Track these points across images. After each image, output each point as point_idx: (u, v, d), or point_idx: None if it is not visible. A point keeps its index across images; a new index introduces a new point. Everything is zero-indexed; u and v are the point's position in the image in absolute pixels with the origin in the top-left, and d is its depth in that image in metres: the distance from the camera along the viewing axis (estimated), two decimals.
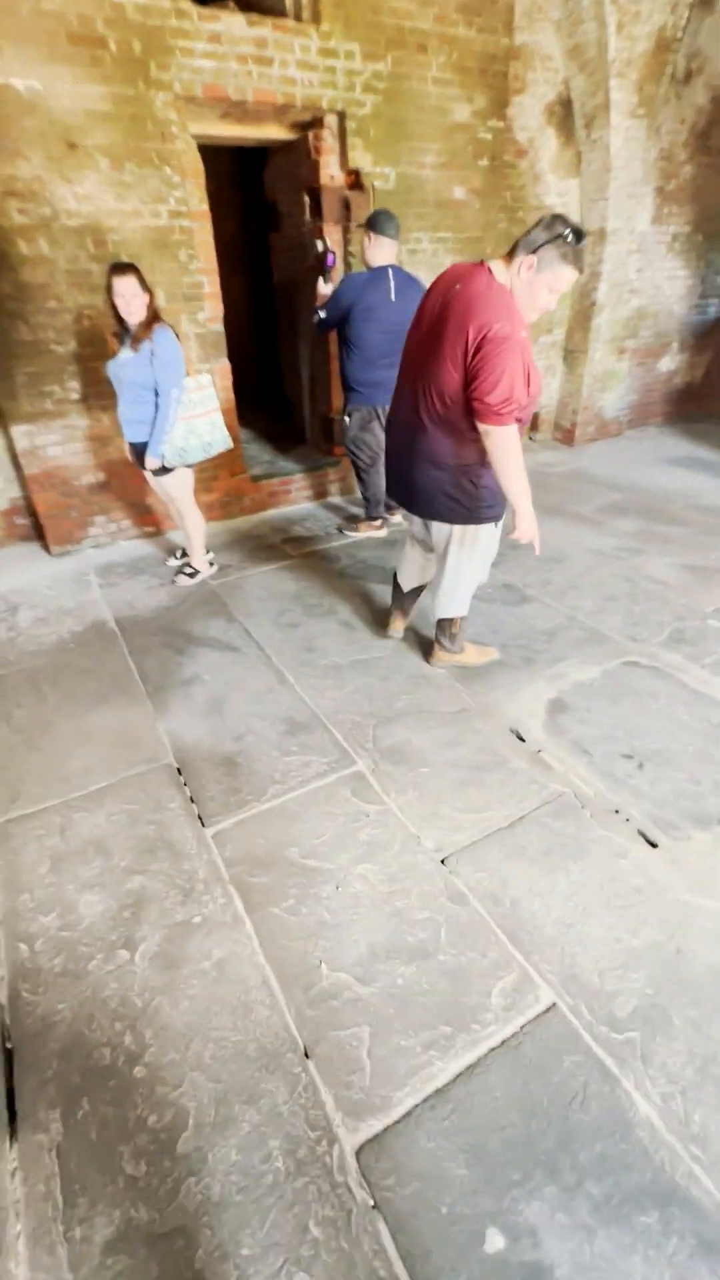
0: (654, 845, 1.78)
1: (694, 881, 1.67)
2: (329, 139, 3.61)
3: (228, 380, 3.74)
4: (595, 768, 2.05)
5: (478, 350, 1.79)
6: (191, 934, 1.58)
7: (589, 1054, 1.32)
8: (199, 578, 3.36)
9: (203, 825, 1.88)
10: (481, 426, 1.88)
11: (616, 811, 1.89)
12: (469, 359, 1.81)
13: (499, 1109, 1.24)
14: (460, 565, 2.29)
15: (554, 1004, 1.41)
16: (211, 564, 3.46)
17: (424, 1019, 1.39)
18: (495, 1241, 1.08)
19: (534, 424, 5.55)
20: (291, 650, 2.72)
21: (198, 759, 2.13)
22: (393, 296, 3.21)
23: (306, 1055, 1.33)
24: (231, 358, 3.75)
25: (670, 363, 5.88)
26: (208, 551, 3.52)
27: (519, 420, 1.92)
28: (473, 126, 3.98)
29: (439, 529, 2.24)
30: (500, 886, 1.67)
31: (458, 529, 2.19)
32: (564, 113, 4.52)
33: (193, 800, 1.97)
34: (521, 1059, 1.32)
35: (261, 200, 4.57)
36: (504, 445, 1.88)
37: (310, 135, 3.61)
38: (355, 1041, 1.35)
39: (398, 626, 2.80)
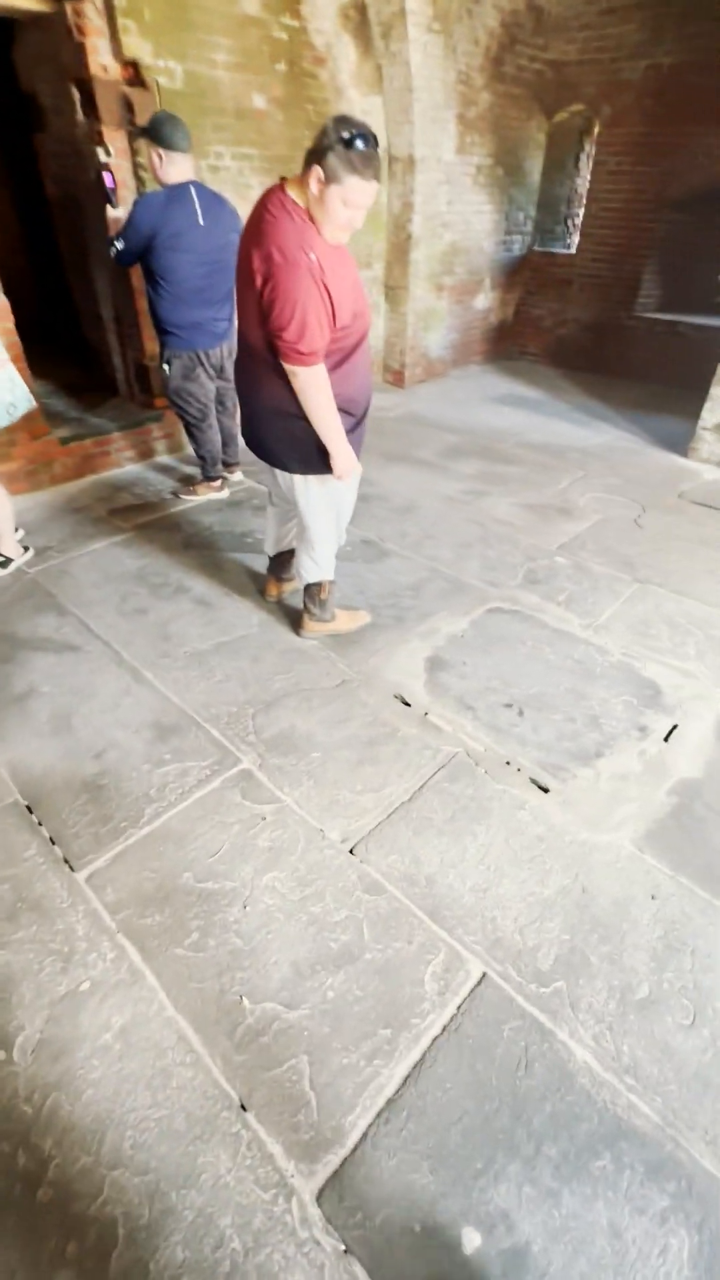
0: (545, 790, 1.84)
1: (586, 819, 1.76)
2: (93, 15, 2.98)
3: (8, 321, 3.09)
4: (481, 722, 2.07)
5: (266, 281, 1.61)
6: (81, 1006, 1.34)
7: (524, 1016, 1.34)
8: (12, 566, 2.84)
9: (71, 870, 1.60)
10: (286, 367, 1.71)
11: (508, 763, 1.92)
12: (263, 292, 1.62)
13: (452, 1100, 1.22)
14: (310, 519, 2.13)
15: (484, 974, 1.41)
16: (26, 548, 2.93)
17: (362, 1028, 1.32)
18: (472, 1240, 1.06)
19: None
20: (144, 641, 2.41)
21: (52, 790, 1.81)
22: (200, 219, 2.80)
23: (244, 1108, 1.20)
24: (5, 291, 3.08)
25: (484, 301, 6.00)
26: (18, 531, 2.97)
27: (341, 348, 1.76)
28: (265, 22, 3.53)
29: (284, 479, 2.05)
30: (414, 865, 1.63)
31: (298, 479, 2.02)
32: (360, 19, 4.19)
33: (53, 842, 1.67)
34: (464, 1041, 1.30)
35: (15, 90, 3.73)
36: (310, 386, 1.73)
37: (69, 8, 2.95)
38: (294, 1076, 1.24)
39: (273, 593, 2.60)
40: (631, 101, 5.14)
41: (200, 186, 2.84)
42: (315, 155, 1.53)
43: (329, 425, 1.81)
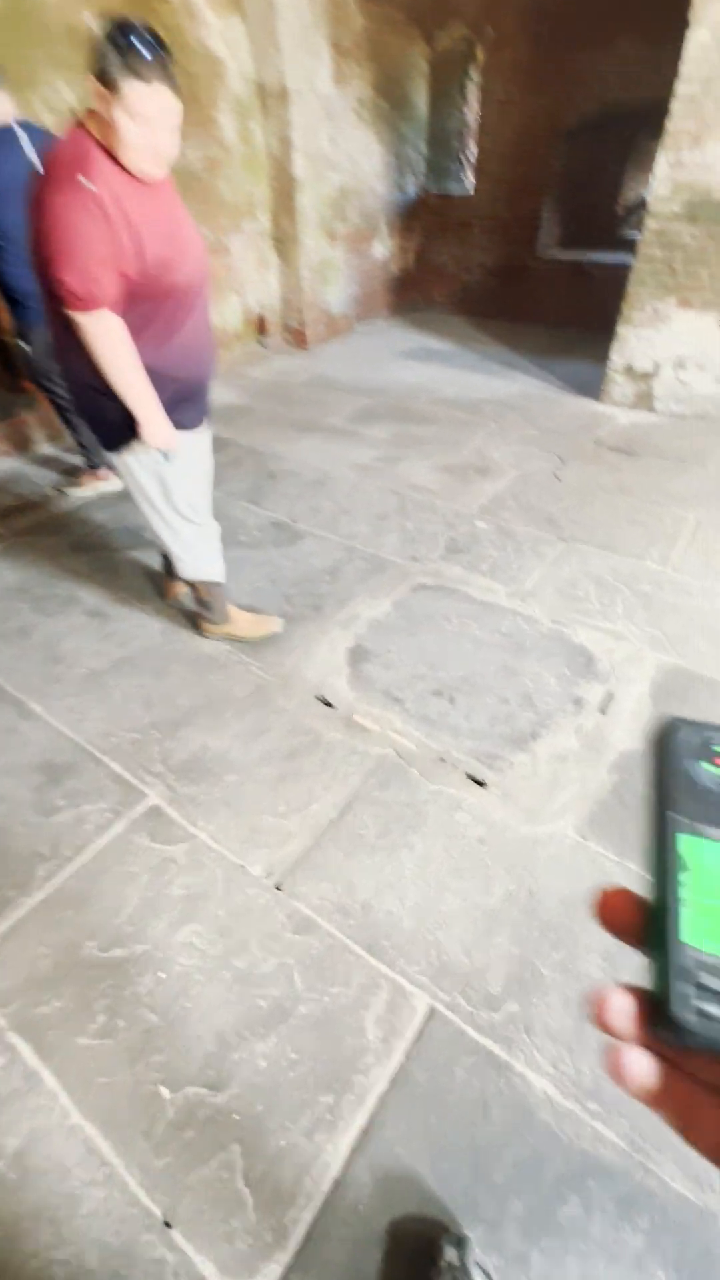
0: (483, 785, 1.71)
1: (526, 811, 1.65)
2: None
3: None
4: (410, 715, 1.92)
5: (35, 213, 1.37)
6: None
7: (477, 1050, 1.22)
8: None
9: None
10: (70, 318, 1.45)
11: (442, 759, 1.79)
12: (36, 230, 1.39)
13: (407, 1167, 1.09)
14: (140, 504, 1.85)
15: (431, 1009, 1.28)
16: None
17: (300, 1097, 1.17)
18: None
19: (261, 328, 5.02)
20: (30, 666, 2.12)
21: None
22: (39, 165, 2.40)
23: (168, 1225, 1.04)
24: None
25: (382, 249, 5.67)
26: None
27: (154, 303, 1.51)
28: None
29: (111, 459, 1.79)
30: (347, 893, 1.48)
31: (115, 459, 1.76)
32: None
33: None
34: (415, 1092, 1.17)
35: None
36: (97, 337, 1.47)
37: None
38: (225, 1172, 1.09)
39: (172, 594, 2.35)
40: (515, 23, 4.83)
41: (31, 127, 2.44)
42: (92, 69, 1.26)
43: (127, 383, 1.55)
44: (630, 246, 3.71)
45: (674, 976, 0.23)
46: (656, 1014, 0.24)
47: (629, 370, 3.91)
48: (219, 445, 3.54)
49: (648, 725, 1.86)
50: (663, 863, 0.26)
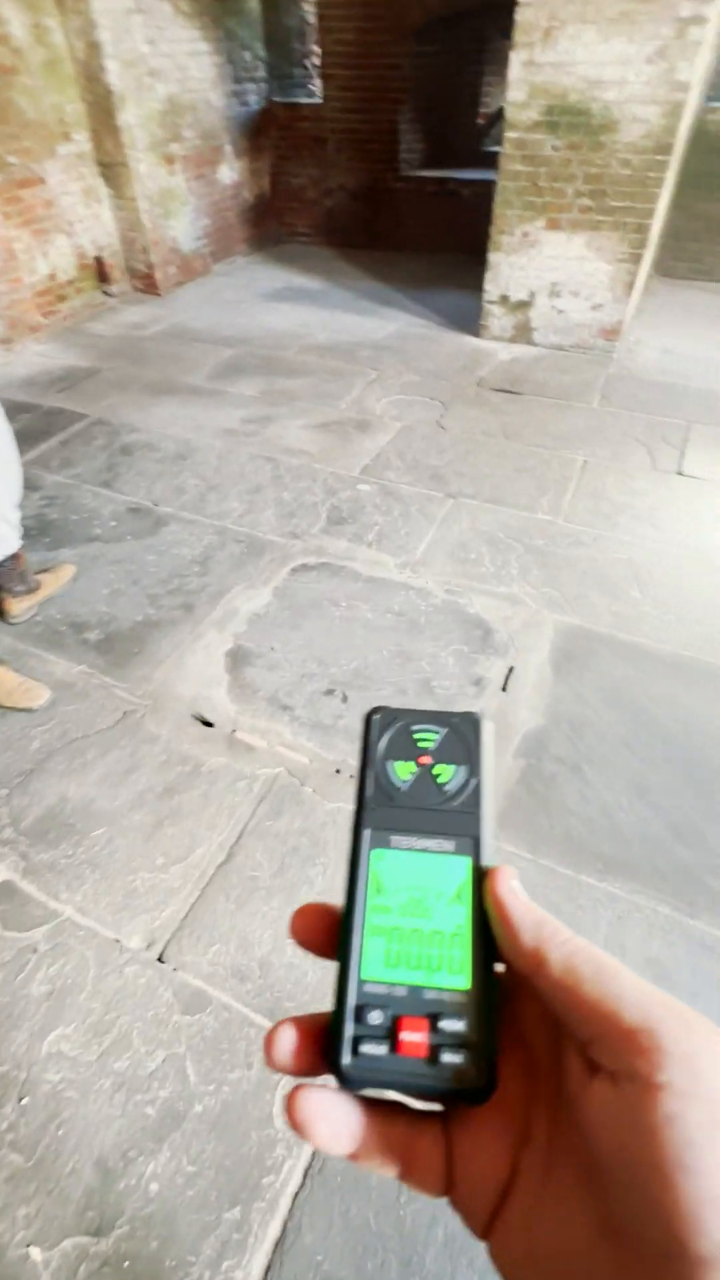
0: None
1: None
2: None
3: None
4: (301, 723, 1.72)
5: None
6: None
7: None
8: None
9: None
10: None
11: (338, 771, 1.61)
12: None
13: (330, 1273, 0.97)
14: None
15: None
16: None
17: (203, 1219, 1.01)
18: None
19: (102, 274, 4.40)
20: None
21: None
22: None
23: None
24: None
25: (230, 172, 5.07)
26: None
27: None
28: None
29: None
30: (242, 952, 1.30)
31: None
32: None
33: None
34: (331, 1183, 1.04)
35: None
36: None
37: None
38: None
39: (11, 609, 2.01)
40: None
41: None
42: None
43: None
44: (495, 162, 3.43)
45: (344, 1018, 0.22)
46: (328, 1058, 0.22)
47: (504, 301, 3.70)
48: (60, 419, 3.08)
49: (548, 698, 1.77)
50: (352, 888, 0.24)
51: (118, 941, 1.32)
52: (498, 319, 3.77)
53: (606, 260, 3.35)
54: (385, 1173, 0.22)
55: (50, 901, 1.38)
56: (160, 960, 1.29)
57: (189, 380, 3.46)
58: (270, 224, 5.65)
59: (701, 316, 4.16)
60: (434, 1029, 0.22)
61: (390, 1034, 0.22)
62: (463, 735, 0.27)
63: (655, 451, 2.79)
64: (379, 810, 0.26)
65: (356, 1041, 0.22)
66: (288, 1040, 0.22)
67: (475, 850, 0.25)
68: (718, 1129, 0.17)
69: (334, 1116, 0.22)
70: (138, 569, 2.23)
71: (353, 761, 1.63)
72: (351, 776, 1.60)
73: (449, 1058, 0.22)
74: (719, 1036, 0.19)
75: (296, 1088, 0.22)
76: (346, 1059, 0.22)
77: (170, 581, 2.18)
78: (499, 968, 0.24)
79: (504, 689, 1.79)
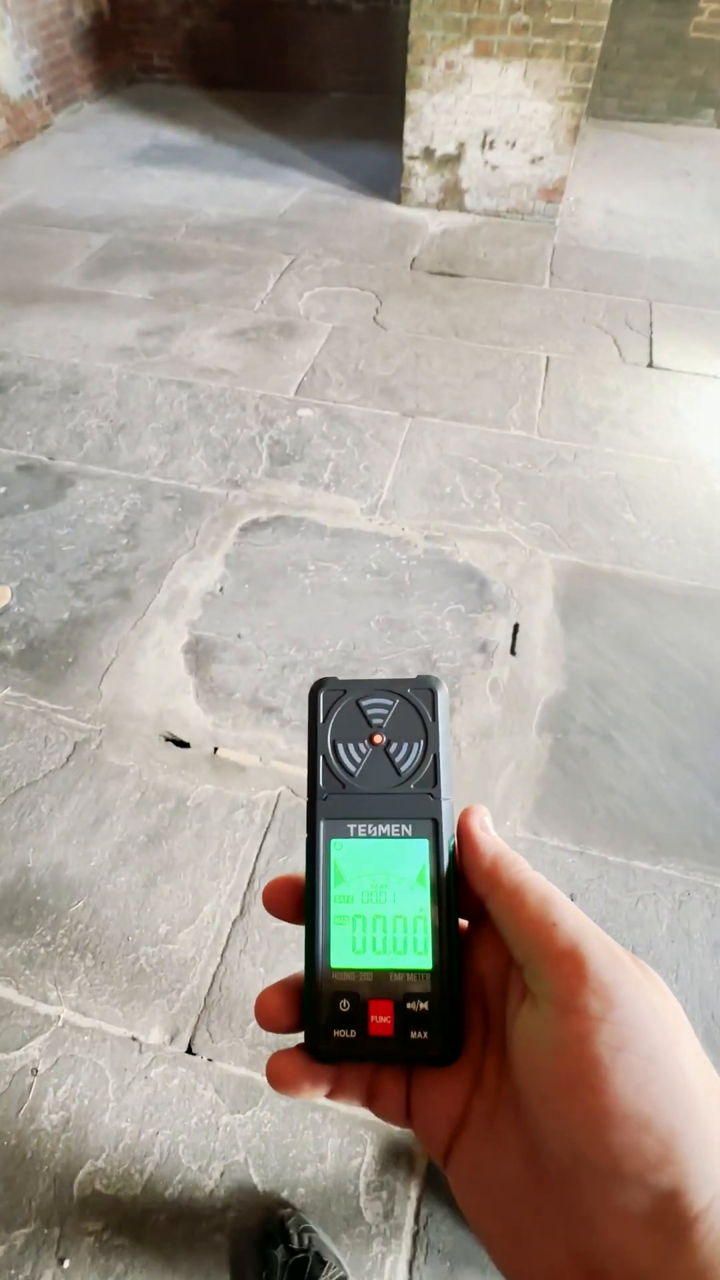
0: None
1: None
2: None
3: None
4: (294, 726, 1.47)
5: None
6: None
7: None
8: None
9: None
10: None
11: None
12: None
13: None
14: None
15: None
16: None
17: None
18: None
19: None
20: None
21: None
22: None
23: None
24: None
25: None
26: None
27: None
28: None
29: None
30: None
31: None
32: None
33: None
34: None
35: None
36: None
37: None
38: None
39: None
40: None
41: None
42: None
43: None
44: None
45: (314, 1006, 0.23)
46: (304, 1040, 0.24)
47: (429, 156, 3.12)
48: None
49: (562, 657, 1.59)
50: (313, 881, 0.25)
51: (134, 1040, 1.11)
52: (422, 180, 3.20)
53: (547, 98, 2.83)
54: (354, 1104, 0.24)
55: (38, 1005, 1.14)
56: (190, 1053, 1.10)
57: (57, 281, 2.77)
58: (118, 55, 4.50)
59: (639, 166, 3.72)
60: (400, 1009, 0.23)
61: (360, 1018, 0.23)
62: (416, 706, 0.26)
63: (622, 340, 2.51)
64: (333, 799, 0.25)
65: (329, 1026, 0.23)
66: (272, 1008, 0.24)
67: (435, 832, 0.25)
68: (623, 1052, 0.19)
69: (309, 1074, 0.24)
70: (48, 550, 1.81)
71: None
72: None
73: (415, 1034, 0.23)
74: (642, 972, 0.20)
75: (274, 1056, 0.24)
76: (320, 1044, 0.23)
77: (94, 562, 1.78)
78: (462, 923, 0.25)
79: (513, 652, 1.60)
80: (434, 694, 0.26)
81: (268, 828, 1.33)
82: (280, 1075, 0.24)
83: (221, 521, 1.88)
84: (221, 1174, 1.00)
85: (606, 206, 3.35)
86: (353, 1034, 0.23)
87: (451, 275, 2.84)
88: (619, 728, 1.47)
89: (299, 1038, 0.24)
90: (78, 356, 2.40)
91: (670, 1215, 0.17)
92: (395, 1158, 1.02)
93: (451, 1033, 0.23)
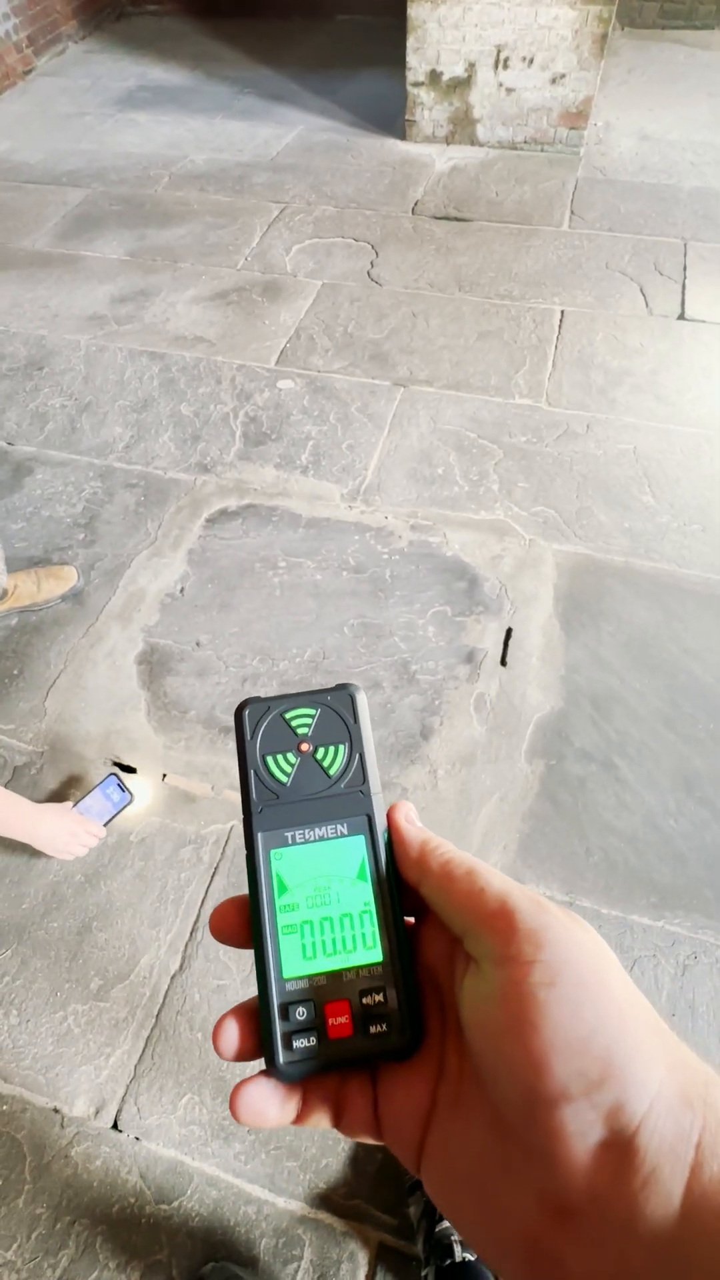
0: None
1: None
2: None
3: None
4: None
5: None
6: None
7: None
8: None
9: None
10: None
11: None
12: None
13: None
14: None
15: None
16: None
17: None
18: None
19: None
20: None
21: None
22: None
23: None
24: None
25: None
26: None
27: None
28: None
29: None
30: (222, 1101, 1.00)
31: None
32: None
33: None
34: None
35: None
36: None
37: None
38: None
39: None
40: None
41: None
42: None
43: None
44: None
45: (271, 1020, 0.23)
46: (264, 1058, 0.23)
47: (435, 80, 2.77)
48: None
49: (561, 668, 1.39)
50: (256, 895, 0.24)
51: (56, 1111, 1.00)
52: (428, 110, 2.86)
53: (569, 2, 2.45)
54: (322, 1125, 0.23)
55: None
56: (115, 1128, 0.98)
57: (28, 244, 2.57)
58: None
59: (682, 83, 3.27)
60: (356, 1006, 0.23)
61: (318, 1023, 0.23)
62: (338, 712, 0.27)
63: (649, 288, 2.19)
64: (268, 811, 0.25)
65: (287, 1039, 0.23)
66: (232, 1034, 0.23)
67: (369, 827, 0.25)
68: (555, 986, 0.19)
69: (275, 1098, 0.23)
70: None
71: None
72: None
73: (374, 1028, 0.23)
74: (565, 914, 0.21)
75: (236, 1088, 0.23)
76: (280, 1059, 0.23)
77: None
78: (408, 919, 0.25)
79: (504, 662, 1.40)
80: (353, 698, 0.27)
81: (216, 868, 1.19)
82: (246, 1106, 0.23)
83: (187, 512, 1.71)
84: (141, 1275, 0.89)
85: (641, 131, 2.95)
86: (313, 1042, 0.23)
87: (458, 219, 2.54)
88: (623, 754, 1.28)
89: (257, 1065, 0.23)
90: (45, 328, 2.22)
91: (616, 1130, 0.18)
92: (338, 1262, 0.89)
93: (410, 1020, 0.23)
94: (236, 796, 1.21)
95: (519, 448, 1.78)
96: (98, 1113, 1.00)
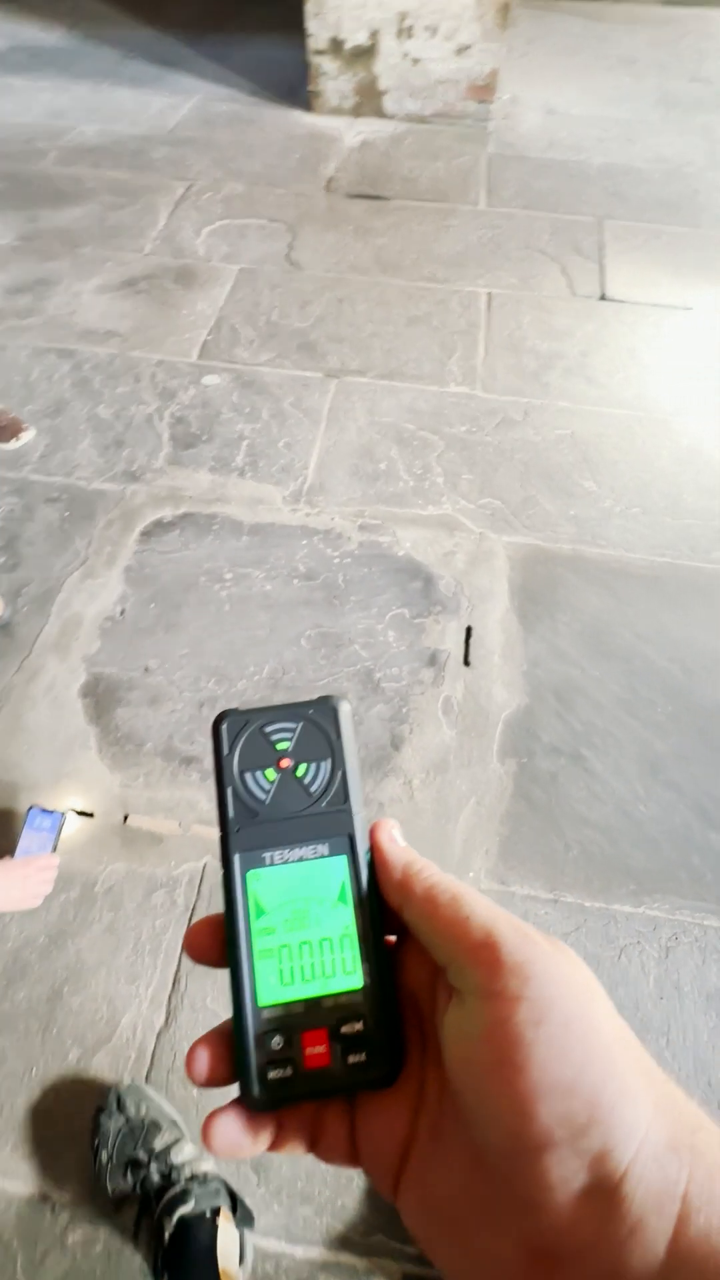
0: None
1: None
2: None
3: None
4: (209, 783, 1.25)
5: None
6: None
7: None
8: None
9: None
10: None
11: None
12: None
13: None
14: None
15: None
16: None
17: None
18: None
19: None
20: None
21: None
22: None
23: None
24: None
25: None
26: None
27: None
28: None
29: None
30: (217, 1168, 0.96)
31: None
32: None
33: None
34: None
35: None
36: None
37: None
38: None
39: None
40: None
41: None
42: None
43: None
44: None
45: (246, 1050, 0.22)
46: (239, 1089, 0.22)
47: (338, 49, 2.65)
48: None
49: (522, 663, 1.39)
50: (233, 918, 0.24)
51: (45, 1198, 0.93)
52: (333, 80, 2.74)
53: None
54: (298, 1152, 0.23)
55: None
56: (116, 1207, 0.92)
57: None
58: None
59: (581, 55, 3.29)
60: (335, 1035, 0.22)
61: (294, 1053, 0.22)
62: (320, 726, 0.26)
63: (571, 269, 2.20)
64: (245, 830, 0.25)
65: (262, 1069, 0.22)
66: (203, 1061, 0.23)
67: (351, 847, 0.25)
68: (542, 1025, 0.19)
69: (248, 1129, 0.22)
70: None
71: None
72: None
73: (353, 1058, 0.22)
74: (553, 946, 0.21)
75: (209, 1118, 0.22)
76: (256, 1090, 0.22)
77: None
78: (390, 938, 0.25)
79: (466, 662, 1.39)
80: (336, 711, 0.26)
81: (193, 909, 1.13)
82: (219, 1137, 0.22)
83: (118, 525, 1.59)
84: None
85: (546, 105, 2.94)
86: (289, 1072, 0.22)
87: (374, 198, 2.46)
88: (590, 744, 1.30)
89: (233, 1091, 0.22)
90: None
91: (602, 1177, 0.18)
92: None
93: (390, 1049, 0.23)
94: (206, 831, 1.15)
95: (459, 438, 1.76)
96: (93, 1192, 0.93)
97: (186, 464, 1.70)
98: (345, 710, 0.26)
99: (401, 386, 1.87)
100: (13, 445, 1.69)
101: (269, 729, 0.26)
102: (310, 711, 0.26)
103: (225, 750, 0.25)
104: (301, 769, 0.25)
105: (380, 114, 2.80)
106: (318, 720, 0.26)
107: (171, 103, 2.90)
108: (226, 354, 1.94)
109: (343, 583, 1.50)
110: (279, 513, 1.61)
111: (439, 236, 2.31)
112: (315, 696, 0.27)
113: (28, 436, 1.71)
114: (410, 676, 1.37)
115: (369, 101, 2.78)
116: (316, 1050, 0.22)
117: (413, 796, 1.24)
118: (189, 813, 1.22)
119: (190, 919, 1.12)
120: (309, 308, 2.07)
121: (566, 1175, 0.18)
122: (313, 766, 0.25)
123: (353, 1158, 0.22)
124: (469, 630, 1.43)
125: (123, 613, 1.45)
